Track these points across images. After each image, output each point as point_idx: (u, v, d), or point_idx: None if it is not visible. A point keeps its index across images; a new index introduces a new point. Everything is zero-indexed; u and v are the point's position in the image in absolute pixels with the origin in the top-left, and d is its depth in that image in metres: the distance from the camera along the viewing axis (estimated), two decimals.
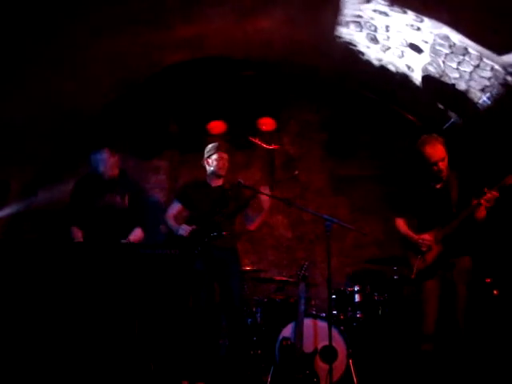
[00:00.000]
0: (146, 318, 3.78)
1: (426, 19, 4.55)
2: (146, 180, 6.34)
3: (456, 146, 4.36)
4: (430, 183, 4.28)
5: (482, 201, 3.88)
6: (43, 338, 3.68)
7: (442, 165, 4.14)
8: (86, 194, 4.62)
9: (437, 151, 4.13)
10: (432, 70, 5.17)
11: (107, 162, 4.59)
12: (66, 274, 3.73)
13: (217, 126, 6.32)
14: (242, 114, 6.37)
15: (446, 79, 5.14)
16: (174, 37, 5.28)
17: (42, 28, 4.38)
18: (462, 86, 5.07)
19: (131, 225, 4.58)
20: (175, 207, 4.92)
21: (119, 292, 3.74)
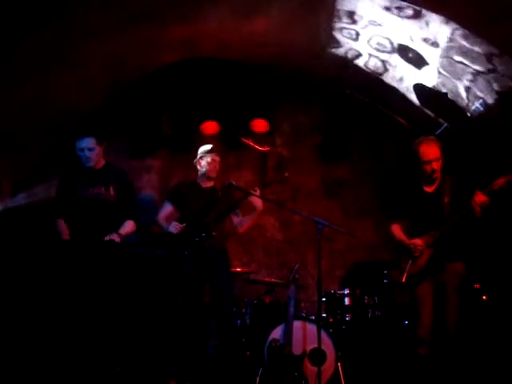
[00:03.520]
0: (135, 318, 3.76)
1: None
2: (138, 179, 6.32)
3: (450, 150, 4.25)
4: (422, 186, 4.29)
5: (473, 204, 3.87)
6: (29, 338, 3.66)
7: (436, 165, 4.15)
8: (71, 186, 4.57)
9: (432, 150, 4.15)
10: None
11: (93, 150, 4.52)
12: (53, 273, 3.72)
13: (210, 127, 6.31)
14: (235, 115, 6.37)
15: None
16: (169, 37, 5.26)
17: (36, 25, 4.36)
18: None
19: (121, 218, 4.54)
20: (167, 208, 4.94)
21: (108, 292, 3.73)
